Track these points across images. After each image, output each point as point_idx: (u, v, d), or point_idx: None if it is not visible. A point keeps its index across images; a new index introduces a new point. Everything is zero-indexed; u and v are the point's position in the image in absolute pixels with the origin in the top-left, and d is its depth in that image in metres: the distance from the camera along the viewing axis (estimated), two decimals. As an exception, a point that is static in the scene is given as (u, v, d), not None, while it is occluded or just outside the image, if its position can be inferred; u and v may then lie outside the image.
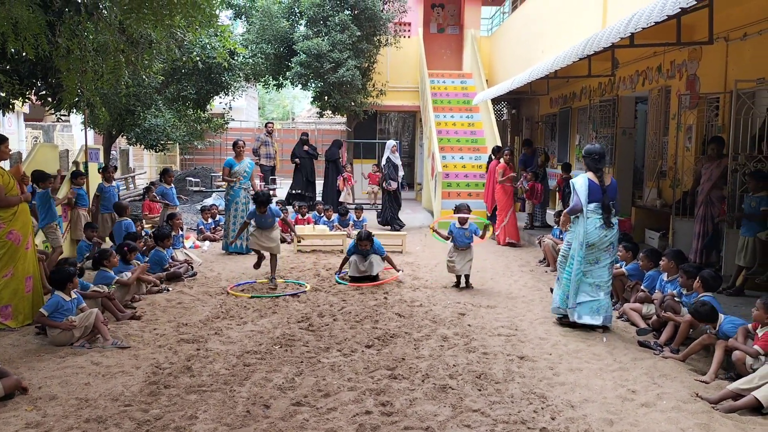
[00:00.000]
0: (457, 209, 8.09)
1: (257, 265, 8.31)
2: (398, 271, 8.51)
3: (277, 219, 8.26)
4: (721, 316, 5.11)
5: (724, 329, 5.04)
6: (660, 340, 5.54)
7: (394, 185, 12.83)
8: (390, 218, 13.02)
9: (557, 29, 12.44)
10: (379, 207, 15.95)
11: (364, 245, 8.21)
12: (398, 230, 12.49)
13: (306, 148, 15.48)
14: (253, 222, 8.10)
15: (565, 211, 6.32)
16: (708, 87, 8.97)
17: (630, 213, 11.02)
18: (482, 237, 8.06)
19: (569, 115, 14.87)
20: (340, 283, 8.07)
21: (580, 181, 6.15)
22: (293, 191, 15.34)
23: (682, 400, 4.34)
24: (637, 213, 10.88)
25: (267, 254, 8.16)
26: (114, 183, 10.33)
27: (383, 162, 13.17)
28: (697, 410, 4.17)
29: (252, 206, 9.95)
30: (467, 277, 8.06)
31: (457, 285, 8.07)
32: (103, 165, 10.90)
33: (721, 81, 8.64)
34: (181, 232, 9.94)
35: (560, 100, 15.45)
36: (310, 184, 15.45)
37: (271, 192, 15.34)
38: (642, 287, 6.50)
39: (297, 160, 15.21)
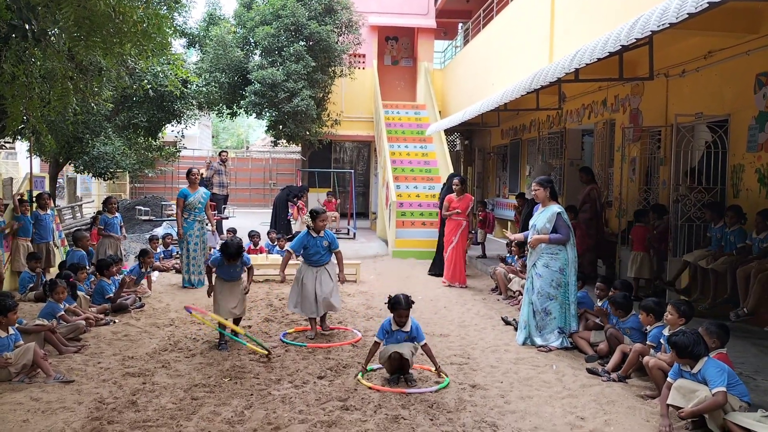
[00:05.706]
0: (393, 305, 5.43)
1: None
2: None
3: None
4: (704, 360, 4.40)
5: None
6: (608, 367, 5.64)
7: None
8: None
9: (507, 63, 12.80)
10: (342, 233, 15.87)
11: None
12: None
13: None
14: (215, 273, 6.44)
15: (555, 238, 6.50)
16: (650, 120, 9.34)
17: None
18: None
19: (519, 146, 15.23)
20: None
21: (559, 211, 6.54)
22: None
23: (630, 426, 4.42)
24: (585, 242, 11.13)
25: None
26: (49, 211, 9.95)
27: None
28: (643, 436, 4.26)
29: (210, 240, 9.49)
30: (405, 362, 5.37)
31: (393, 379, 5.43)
32: (38, 192, 10.31)
33: (662, 115, 9.01)
34: (149, 269, 9.34)
35: (511, 131, 15.83)
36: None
37: (224, 220, 15.13)
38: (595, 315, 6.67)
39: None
